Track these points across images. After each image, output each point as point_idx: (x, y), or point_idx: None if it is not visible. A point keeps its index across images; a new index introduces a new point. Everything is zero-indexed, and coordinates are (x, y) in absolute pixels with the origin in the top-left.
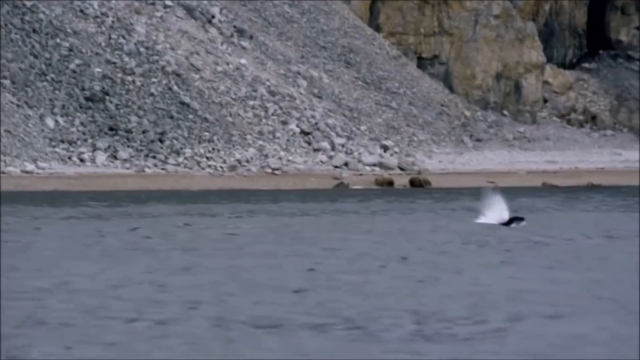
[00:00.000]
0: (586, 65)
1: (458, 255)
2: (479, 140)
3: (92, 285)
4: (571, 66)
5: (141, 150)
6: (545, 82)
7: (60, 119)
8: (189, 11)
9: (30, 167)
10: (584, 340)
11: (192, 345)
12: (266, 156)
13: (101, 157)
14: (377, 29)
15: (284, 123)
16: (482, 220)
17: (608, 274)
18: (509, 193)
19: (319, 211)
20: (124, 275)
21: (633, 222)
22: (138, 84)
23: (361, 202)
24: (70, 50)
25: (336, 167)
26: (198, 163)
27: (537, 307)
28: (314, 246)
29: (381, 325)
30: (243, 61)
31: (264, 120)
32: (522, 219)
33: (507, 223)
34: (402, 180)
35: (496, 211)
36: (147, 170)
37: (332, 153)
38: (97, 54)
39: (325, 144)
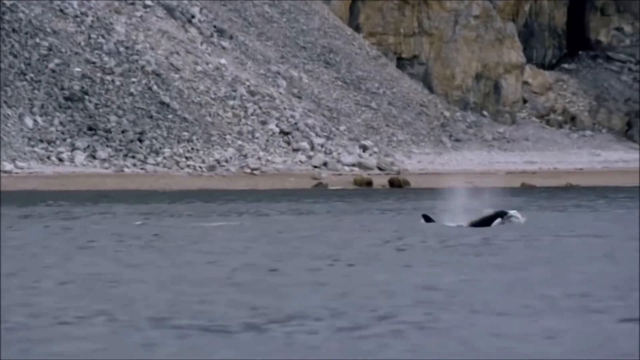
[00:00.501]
0: (565, 66)
1: (390, 254)
2: (458, 140)
3: (22, 281)
4: (551, 67)
5: (120, 150)
6: (525, 83)
7: (39, 119)
8: (169, 11)
9: (9, 166)
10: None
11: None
12: (245, 156)
13: (80, 156)
14: (357, 29)
15: (264, 123)
16: (450, 221)
17: (551, 274)
18: (489, 193)
19: (284, 210)
20: (68, 272)
21: (604, 222)
22: (117, 83)
23: (329, 202)
24: (50, 49)
25: (315, 167)
26: (177, 163)
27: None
28: (252, 246)
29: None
30: (223, 61)
31: (243, 120)
32: (504, 214)
33: (487, 222)
34: (381, 181)
35: (463, 212)
36: (126, 170)
37: (311, 153)
38: (76, 53)
39: (304, 144)
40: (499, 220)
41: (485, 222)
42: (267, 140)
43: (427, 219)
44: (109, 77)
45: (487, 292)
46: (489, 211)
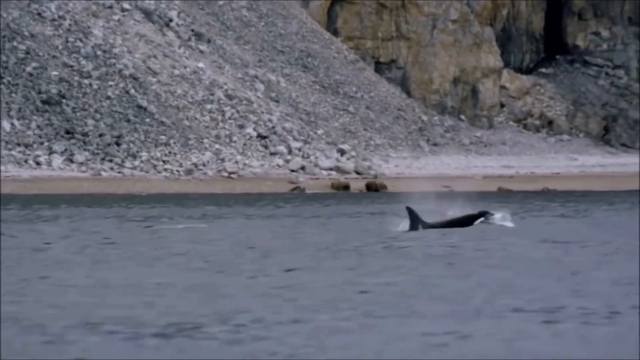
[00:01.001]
0: (543, 70)
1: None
2: (435, 144)
3: None
4: (528, 71)
5: (97, 154)
6: (502, 87)
7: (16, 122)
8: (147, 15)
9: None
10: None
11: None
12: (222, 160)
13: (57, 160)
14: (335, 33)
15: (241, 127)
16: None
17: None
18: (465, 197)
19: (254, 214)
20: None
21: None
22: (95, 87)
23: (302, 206)
24: (27, 53)
25: (293, 171)
26: (154, 167)
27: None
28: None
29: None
30: (200, 65)
31: (220, 124)
32: (484, 214)
33: (463, 222)
34: (358, 185)
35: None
36: (103, 173)
37: (288, 157)
38: (54, 57)
39: (282, 148)
40: (482, 219)
41: (464, 221)
42: (245, 144)
43: (411, 212)
44: (86, 81)
45: (390, 296)
46: (468, 211)
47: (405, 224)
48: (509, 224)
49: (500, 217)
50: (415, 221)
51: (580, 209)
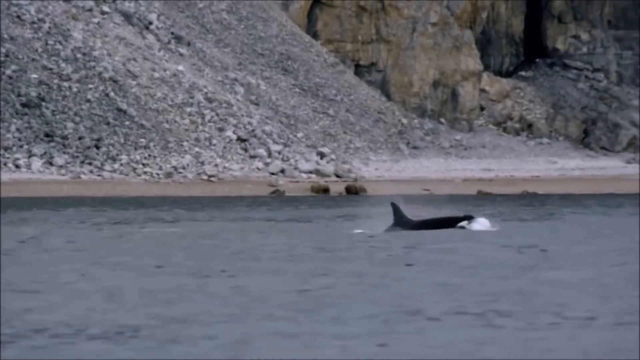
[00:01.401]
0: (523, 73)
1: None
2: (415, 147)
3: None
4: (508, 74)
5: (77, 157)
6: (482, 90)
7: None
8: (127, 17)
9: None
10: None
11: None
12: (202, 163)
13: (37, 163)
14: (315, 36)
15: (221, 130)
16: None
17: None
18: (444, 201)
19: (231, 218)
20: None
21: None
22: (74, 90)
23: (280, 209)
24: (7, 56)
25: (272, 174)
26: (134, 169)
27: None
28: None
29: None
30: (180, 68)
31: (200, 127)
32: (468, 218)
33: (443, 224)
34: (338, 188)
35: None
36: (82, 176)
37: (268, 160)
38: (33, 59)
39: (261, 151)
40: (465, 222)
41: (448, 223)
42: (225, 147)
43: (395, 208)
44: (66, 84)
45: (325, 298)
46: (453, 213)
47: (382, 224)
48: (490, 228)
49: (482, 221)
50: (399, 218)
51: (555, 212)
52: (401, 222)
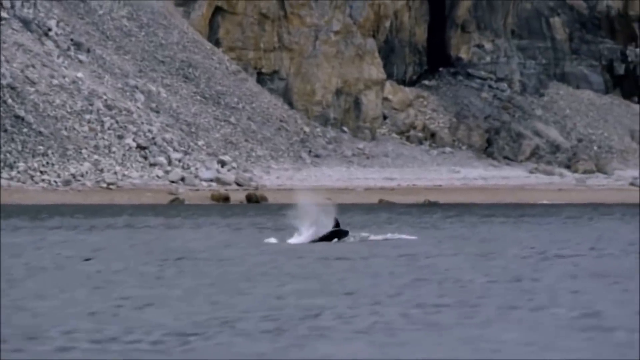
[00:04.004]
0: (426, 82)
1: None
2: (317, 156)
3: None
4: (411, 83)
5: None
6: (385, 99)
7: None
8: (25, 24)
9: None
10: None
11: None
12: (101, 171)
13: None
14: (217, 43)
15: (120, 137)
16: (294, 238)
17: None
18: (346, 210)
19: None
20: None
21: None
22: None
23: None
24: None
25: (173, 182)
26: (32, 177)
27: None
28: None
29: None
30: (80, 75)
31: (99, 135)
32: (346, 233)
33: (327, 238)
34: (238, 196)
35: (309, 229)
36: None
37: (168, 168)
38: None
39: (161, 159)
40: (339, 238)
41: (327, 238)
42: (124, 155)
43: (337, 223)
44: None
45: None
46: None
47: (296, 235)
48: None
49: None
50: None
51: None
52: (336, 236)
